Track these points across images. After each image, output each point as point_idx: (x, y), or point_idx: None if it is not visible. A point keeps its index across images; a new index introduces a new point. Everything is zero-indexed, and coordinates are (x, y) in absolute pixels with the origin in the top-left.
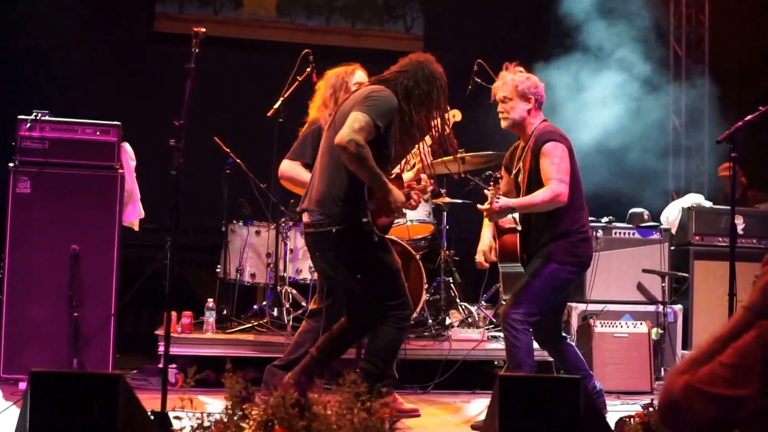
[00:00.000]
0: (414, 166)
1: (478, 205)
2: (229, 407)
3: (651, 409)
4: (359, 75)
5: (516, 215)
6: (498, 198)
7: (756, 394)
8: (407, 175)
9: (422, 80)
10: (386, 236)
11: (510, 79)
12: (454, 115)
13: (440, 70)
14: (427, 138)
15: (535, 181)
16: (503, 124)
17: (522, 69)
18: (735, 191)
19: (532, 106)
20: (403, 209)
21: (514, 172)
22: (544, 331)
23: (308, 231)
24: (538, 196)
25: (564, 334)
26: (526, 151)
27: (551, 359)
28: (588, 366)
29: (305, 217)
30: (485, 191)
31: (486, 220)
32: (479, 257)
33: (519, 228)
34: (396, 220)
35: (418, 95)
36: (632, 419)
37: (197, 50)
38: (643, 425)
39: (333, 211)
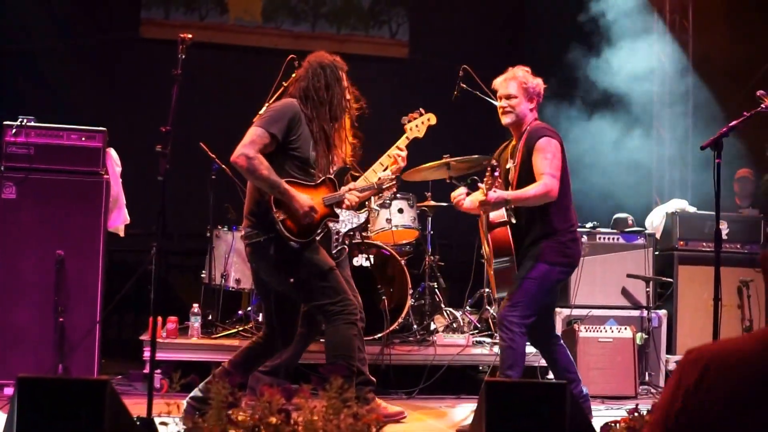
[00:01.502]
0: (386, 168)
1: (477, 196)
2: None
3: (636, 413)
4: None
5: (510, 208)
6: (495, 189)
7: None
8: (384, 174)
9: (313, 77)
10: (311, 238)
11: (518, 76)
12: (429, 119)
13: (327, 59)
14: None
15: (526, 176)
16: (506, 120)
17: (528, 69)
18: (719, 196)
19: (534, 105)
20: (338, 208)
21: (504, 169)
22: (537, 330)
23: (245, 243)
24: (531, 190)
25: (557, 334)
26: (517, 148)
27: (536, 365)
28: None
29: (242, 231)
30: (480, 185)
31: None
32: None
33: (513, 221)
34: (383, 227)
35: (314, 92)
36: (618, 424)
37: (183, 56)
38: (628, 430)
39: (258, 222)
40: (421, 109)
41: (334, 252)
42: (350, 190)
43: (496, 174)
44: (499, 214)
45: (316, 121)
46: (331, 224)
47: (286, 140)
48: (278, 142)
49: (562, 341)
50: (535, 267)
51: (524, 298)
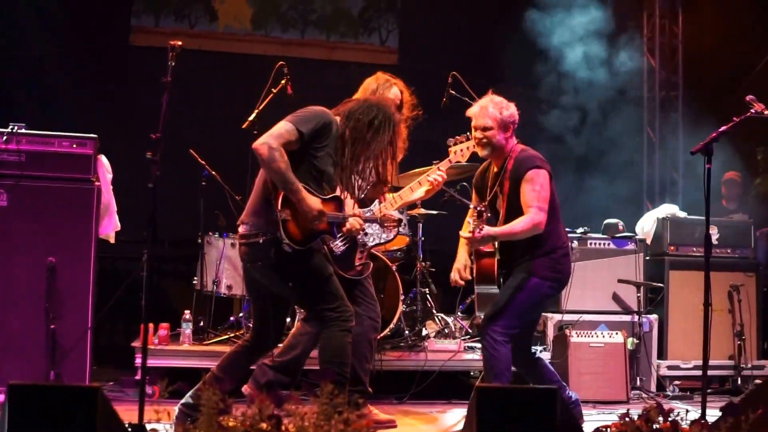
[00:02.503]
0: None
1: (461, 233)
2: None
3: (627, 418)
4: (395, 91)
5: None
6: (481, 228)
7: None
8: (419, 192)
9: (366, 110)
10: (306, 247)
11: (489, 107)
12: (475, 145)
13: (389, 107)
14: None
15: (515, 206)
16: (483, 152)
17: (496, 96)
18: (709, 201)
19: (509, 134)
20: (338, 230)
21: (489, 196)
22: (515, 345)
23: (240, 242)
24: (518, 225)
25: (533, 349)
26: (503, 176)
27: None
28: (564, 376)
29: (240, 230)
30: (467, 220)
31: (462, 240)
32: (454, 275)
33: (499, 257)
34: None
35: (355, 122)
36: (609, 429)
37: (173, 64)
38: None
39: (259, 221)
40: (468, 133)
41: (358, 265)
42: (354, 215)
43: (482, 218)
44: (488, 244)
45: (348, 146)
46: (359, 237)
47: (311, 145)
48: (303, 142)
49: (539, 356)
50: (526, 280)
51: (511, 309)
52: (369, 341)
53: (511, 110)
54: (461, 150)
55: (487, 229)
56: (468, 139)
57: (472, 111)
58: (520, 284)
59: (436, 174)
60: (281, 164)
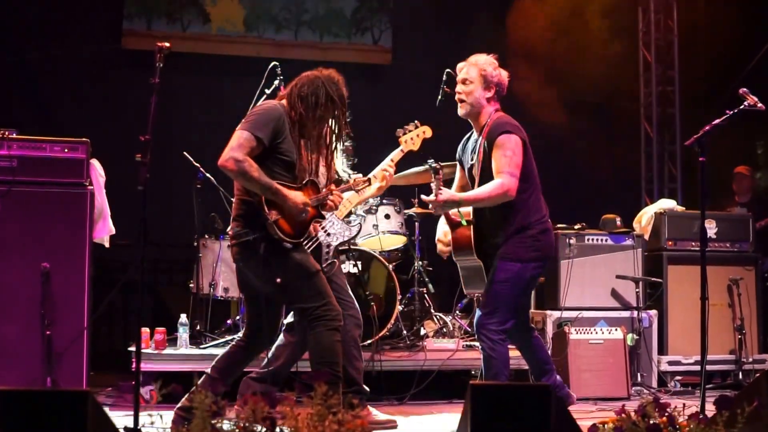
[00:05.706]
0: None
1: (423, 196)
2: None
3: (624, 414)
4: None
5: (468, 209)
6: (441, 189)
7: None
8: (372, 189)
9: (300, 87)
10: (303, 239)
11: (478, 62)
12: (424, 132)
13: (323, 76)
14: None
15: (488, 173)
16: (460, 111)
17: (494, 58)
18: (704, 195)
19: (491, 95)
20: (323, 210)
21: (468, 165)
22: (513, 326)
23: (231, 243)
24: (485, 190)
25: (531, 327)
26: (479, 142)
27: (527, 367)
28: (564, 373)
29: (230, 231)
30: (431, 183)
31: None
32: (439, 246)
33: (472, 221)
34: (371, 233)
35: (299, 101)
36: (605, 425)
37: (161, 65)
38: (615, 431)
39: (248, 221)
40: (416, 121)
41: (325, 266)
42: (332, 191)
43: (439, 176)
44: (463, 212)
45: (303, 127)
46: (322, 238)
47: (272, 143)
48: (264, 146)
49: (536, 334)
50: (506, 268)
51: (499, 303)
52: (354, 339)
53: (498, 71)
54: (411, 138)
55: (451, 194)
56: (417, 127)
57: (460, 64)
58: (505, 277)
59: (385, 166)
60: (254, 173)
